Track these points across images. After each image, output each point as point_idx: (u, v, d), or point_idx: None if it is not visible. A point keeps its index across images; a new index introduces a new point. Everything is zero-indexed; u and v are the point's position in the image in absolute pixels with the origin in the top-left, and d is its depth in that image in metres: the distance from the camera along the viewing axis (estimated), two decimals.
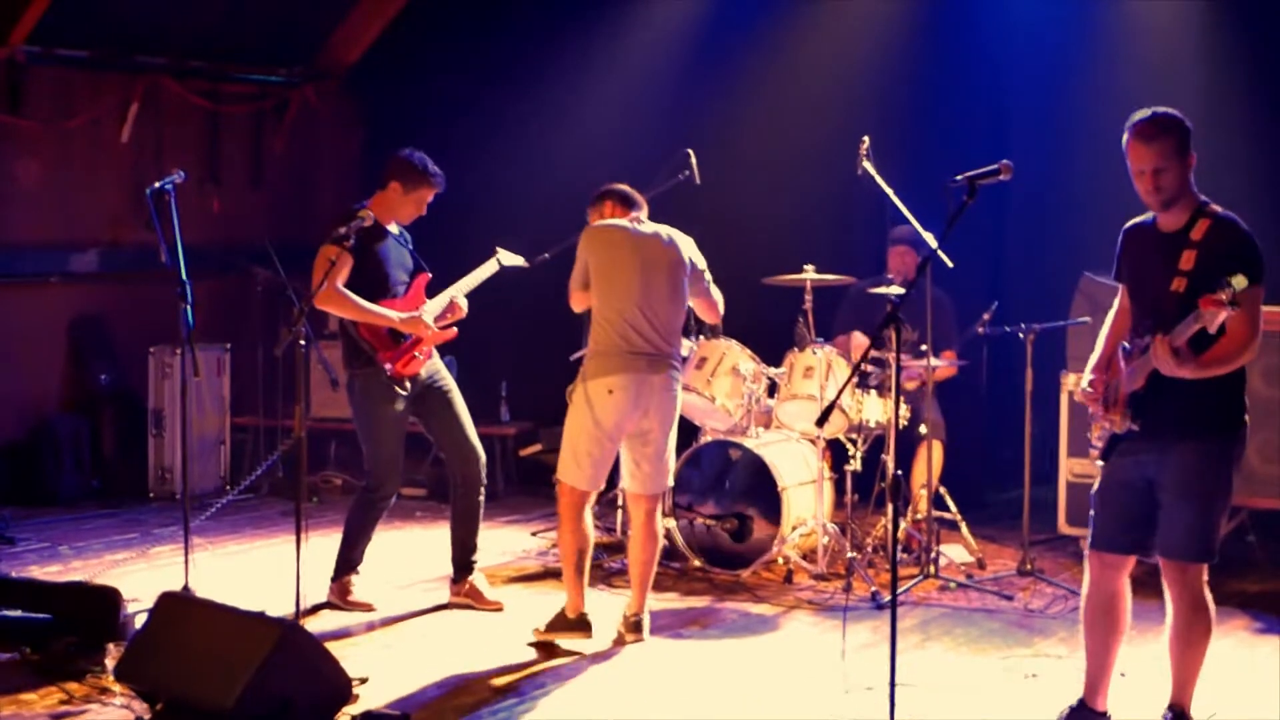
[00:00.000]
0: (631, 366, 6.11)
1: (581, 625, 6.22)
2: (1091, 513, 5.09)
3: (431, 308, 6.73)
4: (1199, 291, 4.60)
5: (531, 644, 6.18)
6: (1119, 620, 5.09)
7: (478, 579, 6.84)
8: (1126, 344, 5.00)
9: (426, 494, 9.34)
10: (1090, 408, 5.08)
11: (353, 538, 6.81)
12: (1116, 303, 5.24)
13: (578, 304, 6.35)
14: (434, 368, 6.82)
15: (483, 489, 6.85)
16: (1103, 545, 5.04)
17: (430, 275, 6.84)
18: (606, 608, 6.83)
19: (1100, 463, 5.06)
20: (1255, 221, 7.00)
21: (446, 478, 6.92)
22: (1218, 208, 4.89)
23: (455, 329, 6.85)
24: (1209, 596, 4.95)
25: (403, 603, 6.92)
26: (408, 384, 6.67)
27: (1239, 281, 4.45)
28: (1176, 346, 4.62)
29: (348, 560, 6.81)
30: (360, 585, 6.83)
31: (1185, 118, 4.92)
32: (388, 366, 6.60)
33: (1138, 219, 5.10)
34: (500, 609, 6.71)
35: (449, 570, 6.87)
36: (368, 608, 6.74)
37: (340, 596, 6.76)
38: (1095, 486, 5.09)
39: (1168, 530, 4.89)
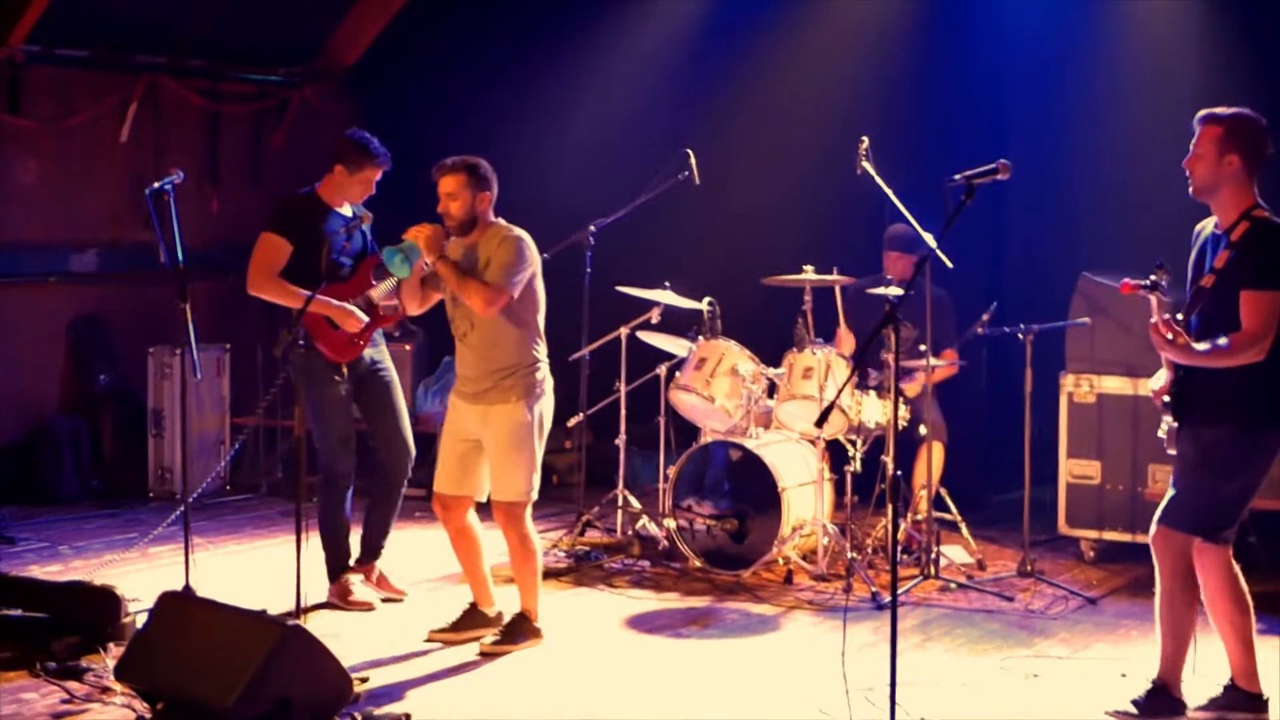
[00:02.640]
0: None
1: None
2: None
3: (381, 289, 6.71)
4: (1224, 289, 4.94)
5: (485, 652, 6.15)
6: (1224, 597, 5.17)
7: (382, 566, 6.90)
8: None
9: (426, 494, 9.30)
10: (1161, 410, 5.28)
11: (329, 530, 6.80)
12: None
13: (499, 307, 5.98)
14: (379, 356, 6.83)
15: (406, 483, 6.95)
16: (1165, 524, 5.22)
17: (380, 258, 6.83)
18: (606, 607, 6.85)
19: (1171, 453, 5.24)
20: None
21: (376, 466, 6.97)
22: (1265, 213, 5.06)
23: (397, 313, 6.88)
24: (1198, 573, 5.09)
25: (403, 602, 6.92)
26: (344, 369, 6.69)
27: (1161, 274, 4.88)
28: (1158, 328, 4.90)
29: (336, 555, 6.81)
30: (359, 584, 6.84)
31: (1251, 123, 5.06)
32: (324, 351, 6.61)
33: (1206, 220, 5.26)
34: (372, 608, 6.73)
35: (450, 569, 6.88)
36: (368, 606, 6.74)
37: (341, 597, 6.76)
38: None
39: (1169, 499, 5.11)
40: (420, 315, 6.74)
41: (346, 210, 6.75)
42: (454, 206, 6.02)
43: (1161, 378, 5.26)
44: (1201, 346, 4.95)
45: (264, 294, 6.61)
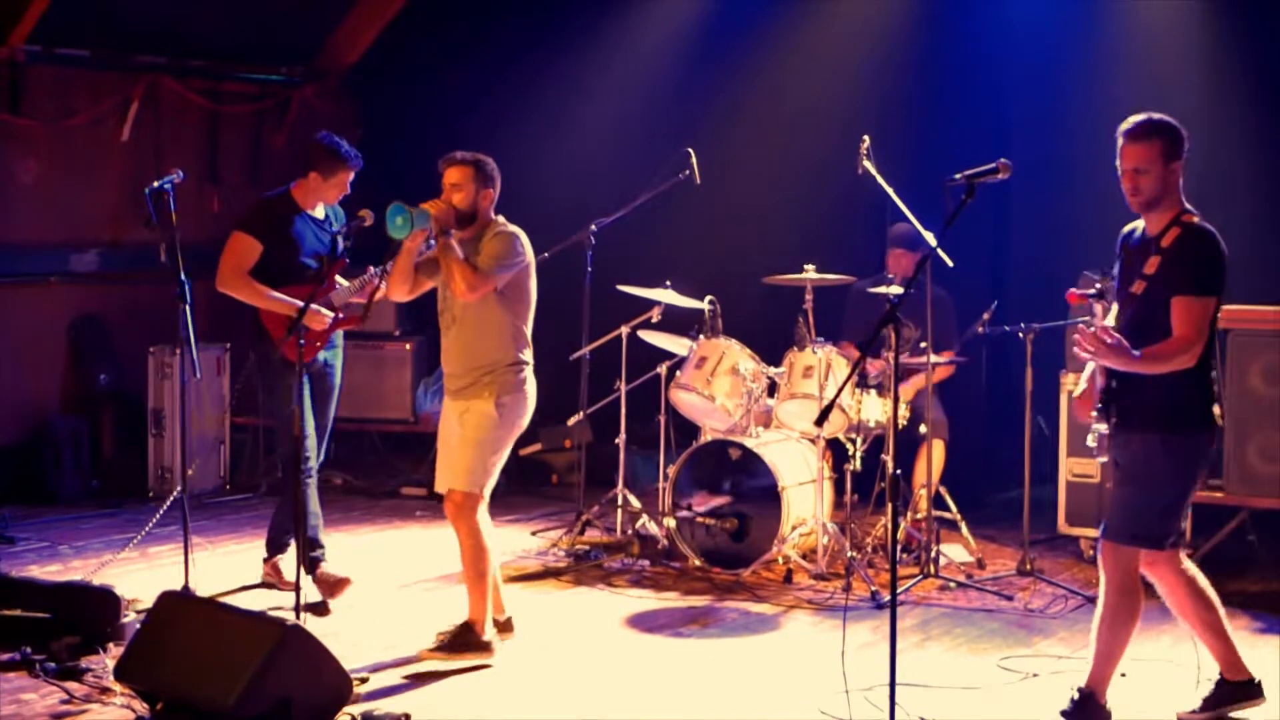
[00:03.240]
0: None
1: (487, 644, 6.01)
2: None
3: (345, 289, 6.78)
4: (1155, 295, 4.93)
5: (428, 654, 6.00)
6: (1179, 599, 5.24)
7: (282, 560, 6.99)
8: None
9: (427, 494, 9.33)
10: (1079, 415, 5.28)
11: (296, 522, 6.77)
12: None
13: (480, 294, 5.90)
14: (332, 358, 6.92)
15: (313, 480, 6.99)
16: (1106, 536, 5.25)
17: (347, 261, 6.91)
18: (606, 607, 6.85)
19: (1101, 460, 5.26)
20: (1255, 221, 7.02)
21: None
22: (1195, 218, 5.06)
23: (361, 314, 6.92)
24: (1140, 585, 5.12)
25: (403, 602, 6.93)
26: (298, 367, 6.73)
27: (1107, 281, 4.85)
28: (1098, 334, 4.86)
29: (307, 544, 6.85)
30: (330, 562, 6.90)
31: (1181, 127, 5.07)
32: (282, 349, 6.70)
33: (1134, 223, 5.25)
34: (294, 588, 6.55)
35: (449, 569, 6.86)
36: (345, 583, 6.79)
37: (327, 589, 6.78)
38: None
39: (1109, 511, 5.14)
40: (413, 310, 6.77)
41: (319, 212, 6.88)
42: (457, 198, 5.99)
43: (1084, 383, 5.27)
44: (1136, 353, 4.93)
45: (232, 291, 6.73)
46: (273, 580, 6.97)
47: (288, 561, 6.96)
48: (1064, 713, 5.19)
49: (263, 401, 6.95)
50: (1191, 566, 5.27)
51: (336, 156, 6.76)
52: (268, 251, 6.69)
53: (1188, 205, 5.07)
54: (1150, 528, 5.07)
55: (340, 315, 6.79)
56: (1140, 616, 5.15)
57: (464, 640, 5.94)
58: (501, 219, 6.09)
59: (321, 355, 6.84)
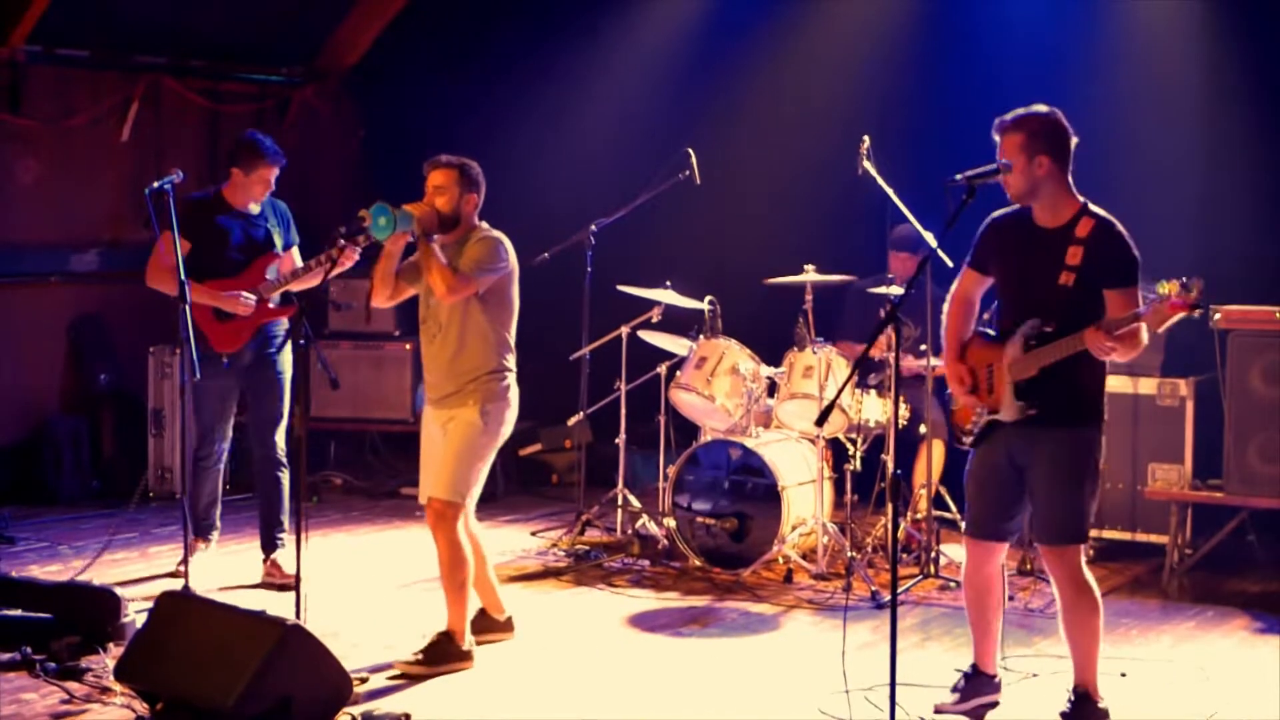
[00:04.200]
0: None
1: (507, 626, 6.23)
2: (966, 498, 5.32)
3: (273, 286, 6.99)
4: (1087, 286, 4.93)
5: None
6: (996, 597, 5.37)
7: (280, 556, 7.11)
8: (991, 331, 5.28)
9: None
10: (960, 399, 5.28)
11: (191, 499, 7.11)
12: (954, 292, 5.43)
13: (459, 296, 5.85)
14: (279, 355, 7.08)
15: (284, 471, 7.19)
16: (976, 532, 5.28)
17: (279, 256, 7.09)
18: (606, 607, 6.85)
19: (971, 449, 5.28)
20: (1255, 221, 7.00)
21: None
22: (1099, 209, 5.08)
23: (292, 306, 7.04)
24: (1090, 576, 5.16)
25: (403, 602, 6.93)
26: (225, 358, 6.96)
27: (1196, 285, 4.68)
28: (1120, 334, 4.84)
29: (194, 525, 7.09)
30: (201, 555, 7.15)
31: (1052, 121, 5.10)
32: (209, 340, 6.90)
33: (1006, 210, 5.28)
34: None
35: None
36: (178, 575, 6.91)
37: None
38: (968, 470, 5.31)
39: (1041, 518, 5.13)
40: (412, 311, 6.76)
41: (254, 209, 7.06)
42: (440, 201, 5.95)
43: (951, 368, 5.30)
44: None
45: (157, 286, 6.91)
46: (273, 579, 6.99)
47: (287, 558, 6.99)
48: (1063, 714, 5.19)
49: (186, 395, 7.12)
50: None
51: (256, 152, 6.95)
52: (195, 248, 6.86)
53: (1080, 195, 5.09)
54: (1084, 522, 5.12)
55: (270, 307, 6.96)
56: (1101, 605, 5.16)
57: (443, 650, 5.90)
58: (485, 224, 6.05)
59: (263, 351, 7.03)
